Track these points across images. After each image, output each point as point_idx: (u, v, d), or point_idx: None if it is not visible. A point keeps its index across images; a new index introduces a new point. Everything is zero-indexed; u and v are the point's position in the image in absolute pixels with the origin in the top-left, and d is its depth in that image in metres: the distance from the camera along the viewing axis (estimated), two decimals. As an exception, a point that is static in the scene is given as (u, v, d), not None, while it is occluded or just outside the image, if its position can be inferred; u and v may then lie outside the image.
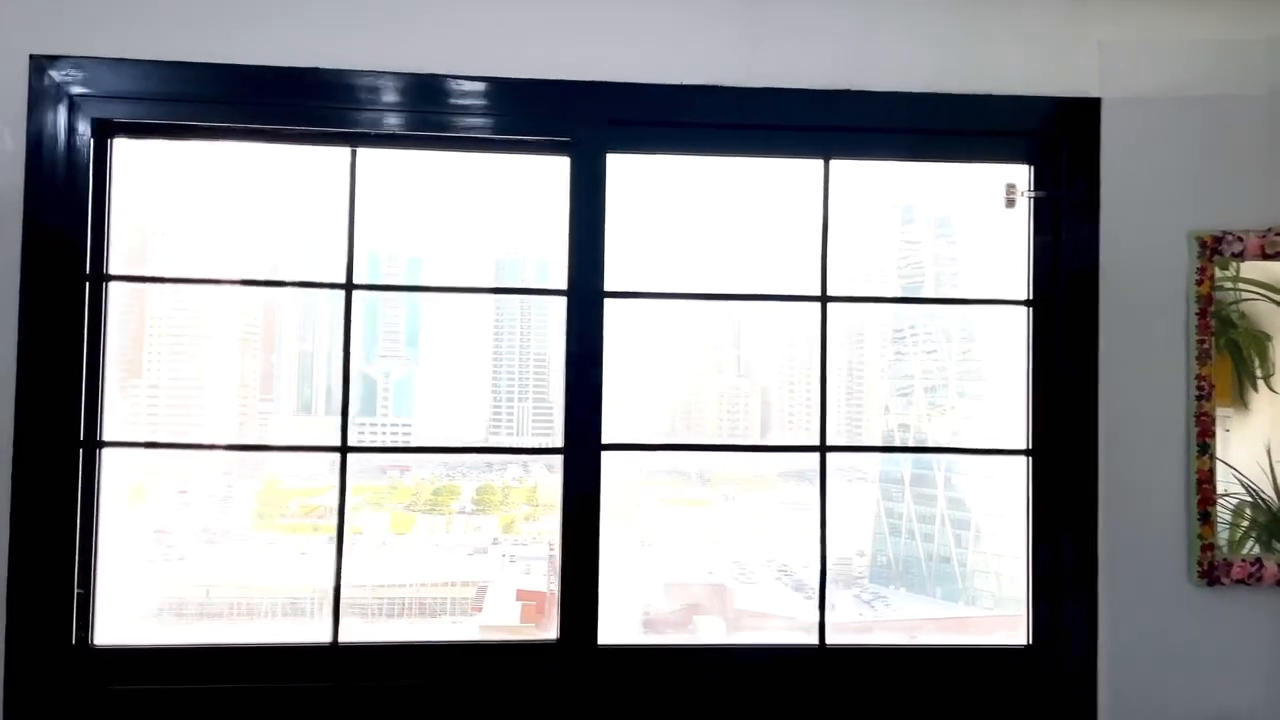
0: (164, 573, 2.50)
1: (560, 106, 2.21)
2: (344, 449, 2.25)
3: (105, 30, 2.13)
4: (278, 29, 2.16)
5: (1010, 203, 2.32)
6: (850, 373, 2.54)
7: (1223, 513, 2.33)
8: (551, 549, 2.52)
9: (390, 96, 2.19)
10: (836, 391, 2.43)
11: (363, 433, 2.54)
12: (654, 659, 2.25)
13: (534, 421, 2.52)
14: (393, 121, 2.21)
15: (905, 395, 2.61)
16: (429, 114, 2.20)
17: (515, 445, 2.51)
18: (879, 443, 2.59)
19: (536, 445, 2.50)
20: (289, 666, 2.19)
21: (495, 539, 2.61)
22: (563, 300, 2.24)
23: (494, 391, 2.53)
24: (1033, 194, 2.32)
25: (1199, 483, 2.29)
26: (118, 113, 2.15)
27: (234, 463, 2.48)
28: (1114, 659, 2.26)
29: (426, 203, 2.44)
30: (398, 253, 2.51)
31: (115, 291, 2.23)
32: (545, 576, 2.54)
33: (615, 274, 2.26)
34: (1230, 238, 2.30)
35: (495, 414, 2.53)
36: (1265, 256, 2.31)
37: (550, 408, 2.49)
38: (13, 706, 2.06)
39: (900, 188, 2.58)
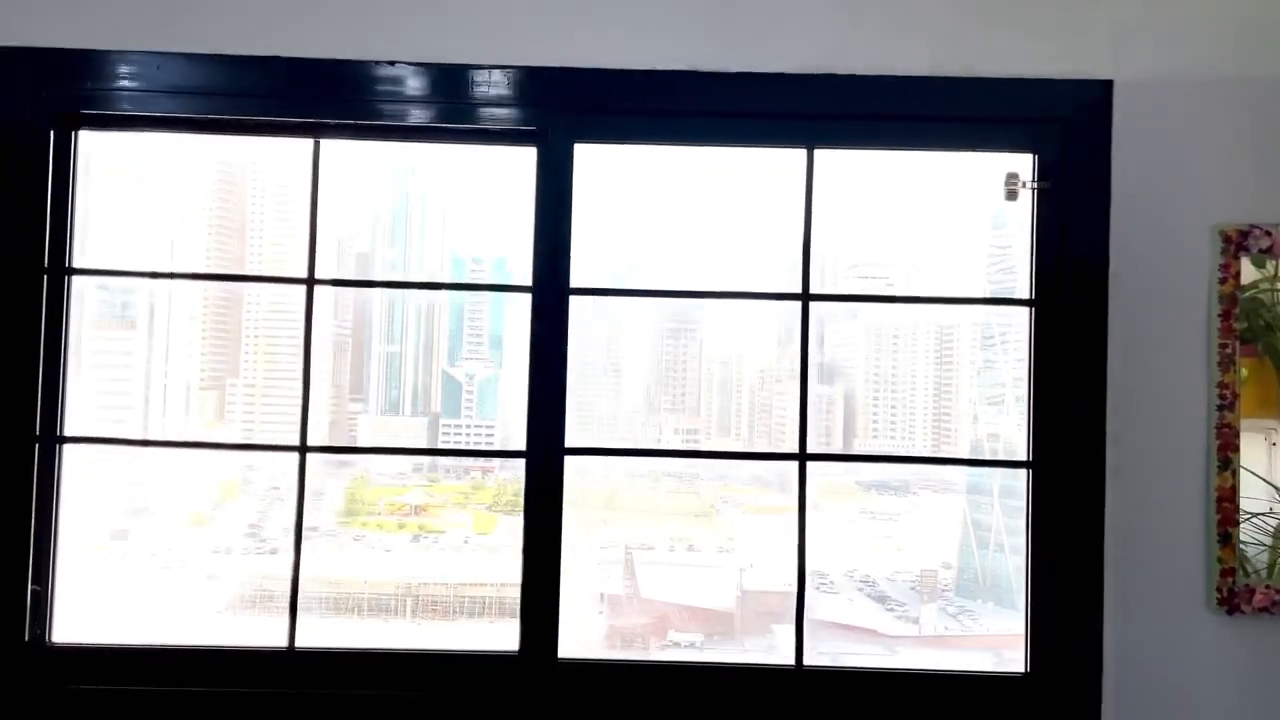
0: (255, 566, 2.59)
1: (526, 94, 2.12)
2: (303, 449, 2.19)
3: (72, 18, 2.11)
4: (235, 16, 2.12)
5: (1012, 194, 2.16)
6: (938, 381, 2.52)
7: (1261, 535, 2.14)
8: (628, 554, 2.61)
9: (353, 86, 2.12)
10: (923, 400, 2.47)
11: (447, 434, 2.65)
12: (615, 674, 2.14)
13: (616, 424, 2.55)
14: (356, 111, 2.14)
15: (996, 404, 2.50)
16: (392, 104, 2.13)
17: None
18: (967, 455, 2.50)
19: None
20: (247, 670, 2.13)
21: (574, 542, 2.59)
22: (643, 303, 2.32)
23: (576, 395, 2.46)
24: (1037, 185, 2.15)
25: (1219, 501, 2.09)
26: (81, 105, 2.13)
27: (322, 461, 2.52)
28: (1121, 691, 2.07)
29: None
30: (483, 255, 2.57)
31: (208, 293, 2.35)
32: (621, 580, 2.58)
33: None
34: (1258, 232, 2.09)
35: (579, 416, 2.48)
36: (1298, 252, 2.10)
37: (633, 411, 2.56)
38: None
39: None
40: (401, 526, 2.66)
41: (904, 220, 2.47)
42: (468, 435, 2.69)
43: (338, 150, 2.24)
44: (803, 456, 2.17)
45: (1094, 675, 2.08)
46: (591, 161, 2.17)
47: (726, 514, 2.66)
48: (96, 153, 2.25)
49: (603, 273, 2.30)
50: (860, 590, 2.62)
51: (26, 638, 2.09)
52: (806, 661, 2.14)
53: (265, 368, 2.55)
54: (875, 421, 2.58)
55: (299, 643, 2.15)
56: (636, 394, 2.59)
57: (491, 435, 2.68)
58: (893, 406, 2.57)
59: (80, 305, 2.25)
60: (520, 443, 2.17)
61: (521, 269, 2.31)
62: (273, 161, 2.53)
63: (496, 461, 2.65)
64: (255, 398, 2.56)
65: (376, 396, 2.64)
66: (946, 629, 2.53)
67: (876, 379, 2.58)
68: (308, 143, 2.20)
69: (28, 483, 2.09)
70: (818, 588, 2.54)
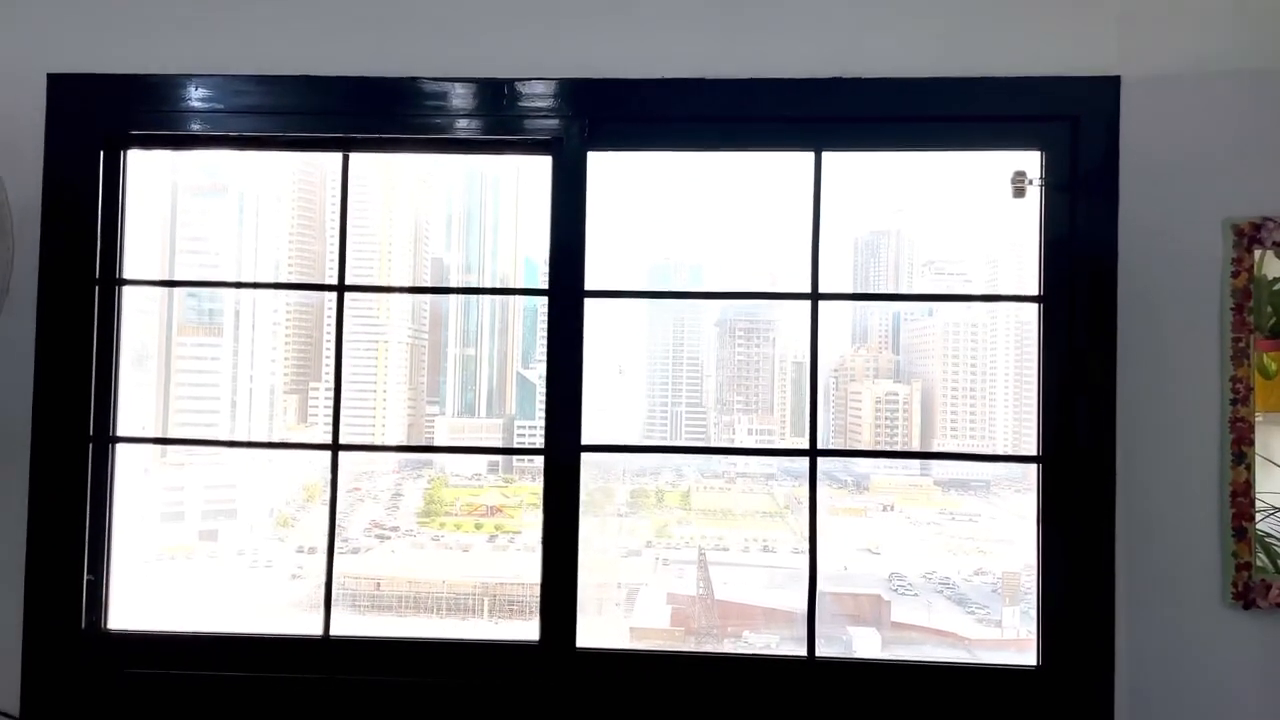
0: (340, 565, 2.61)
1: (539, 105, 2.19)
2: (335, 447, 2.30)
3: (118, 47, 2.25)
4: (267, 40, 2.24)
5: (1019, 192, 2.17)
6: (1019, 376, 2.49)
7: (1282, 532, 2.13)
8: (702, 554, 2.63)
9: (380, 101, 2.22)
10: (1003, 396, 2.48)
11: (522, 435, 2.74)
12: (637, 664, 2.21)
13: (686, 423, 2.61)
14: (381, 125, 2.24)
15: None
16: (414, 117, 2.22)
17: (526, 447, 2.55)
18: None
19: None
20: (287, 657, 2.25)
21: (649, 541, 2.67)
22: (712, 305, 2.41)
23: (649, 395, 2.61)
24: (1044, 182, 2.16)
25: (1234, 495, 2.08)
26: (128, 125, 2.27)
27: (400, 462, 2.67)
28: (1135, 684, 2.08)
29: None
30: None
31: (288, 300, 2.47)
32: (695, 581, 2.60)
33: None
34: (1271, 225, 2.08)
35: (650, 416, 2.61)
36: (1313, 245, 2.08)
37: (704, 411, 2.61)
38: (31, 682, 2.21)
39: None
40: (478, 527, 2.71)
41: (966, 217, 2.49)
42: (539, 437, 2.64)
43: (403, 161, 2.34)
44: (813, 453, 2.21)
45: (1107, 669, 2.08)
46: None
47: (801, 514, 2.62)
48: (183, 167, 2.44)
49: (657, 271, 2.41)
50: (939, 592, 2.60)
51: (83, 625, 2.23)
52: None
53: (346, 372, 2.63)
54: (954, 419, 2.57)
55: (334, 632, 2.26)
56: (709, 394, 2.63)
57: None
58: (972, 403, 2.56)
59: (168, 313, 2.42)
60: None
61: (686, 274, 2.43)
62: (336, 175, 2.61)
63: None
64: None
65: (452, 399, 2.72)
66: (1030, 632, 2.39)
67: (954, 376, 2.57)
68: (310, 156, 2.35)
69: (82, 480, 2.23)
70: (895, 589, 2.56)
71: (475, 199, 2.74)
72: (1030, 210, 2.19)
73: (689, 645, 2.57)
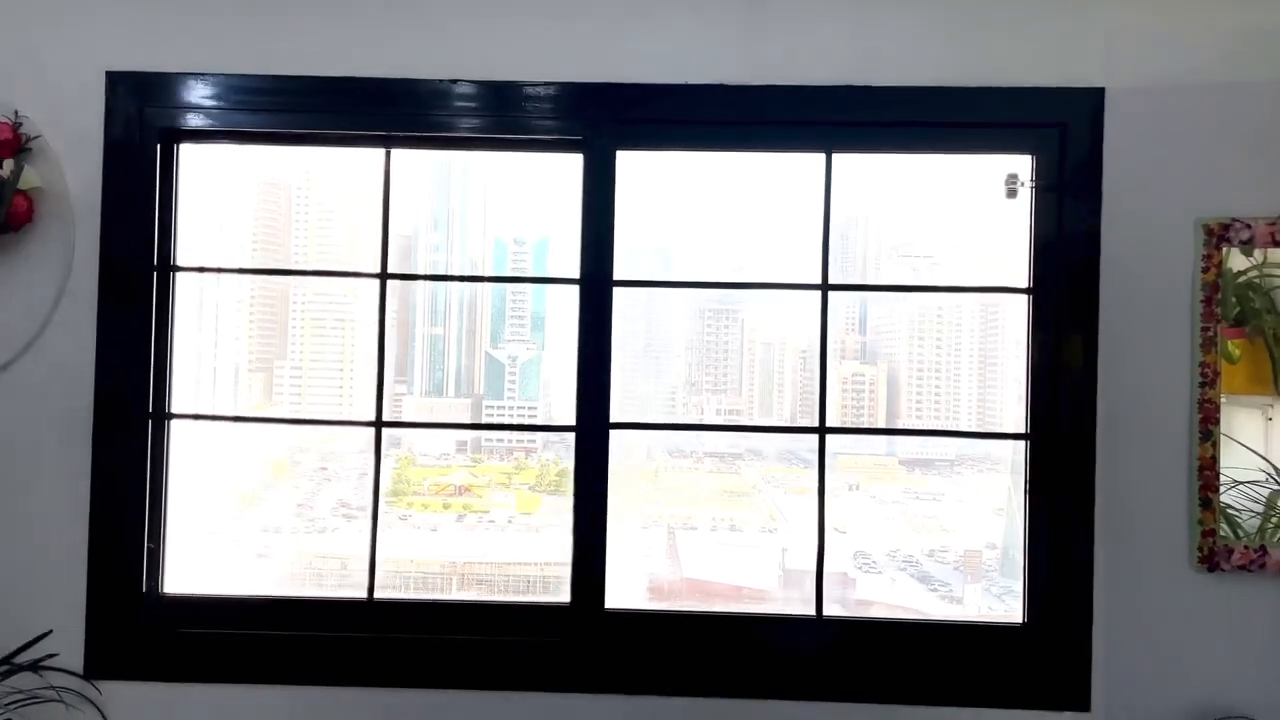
0: (305, 544, 2.70)
1: (573, 107, 2.36)
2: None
3: (171, 48, 2.39)
4: (319, 41, 2.38)
5: (1012, 193, 2.37)
6: (984, 359, 2.62)
7: (1250, 503, 2.35)
8: (672, 534, 2.71)
9: (421, 101, 2.37)
10: (970, 378, 2.59)
11: (490, 415, 2.76)
12: (660, 622, 2.41)
13: (656, 402, 2.66)
14: (423, 124, 2.40)
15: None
16: (454, 117, 2.38)
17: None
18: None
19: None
20: (332, 617, 2.42)
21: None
22: (683, 292, 2.56)
23: (620, 374, 2.57)
24: (1034, 184, 2.36)
25: (1201, 469, 2.30)
26: (182, 121, 2.40)
27: (367, 442, 2.58)
28: (1110, 640, 2.30)
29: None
30: (525, 236, 2.69)
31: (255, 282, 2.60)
32: (665, 560, 2.67)
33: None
34: (1238, 225, 2.29)
35: (625, 396, 2.58)
36: (1275, 244, 2.30)
37: (673, 390, 2.67)
38: (94, 641, 2.36)
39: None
40: (446, 506, 2.73)
41: (942, 211, 2.63)
42: (511, 416, 2.77)
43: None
44: (822, 430, 2.41)
45: (1085, 624, 2.30)
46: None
47: (767, 494, 2.73)
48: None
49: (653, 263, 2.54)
50: (903, 570, 2.69)
51: (144, 589, 2.40)
52: (826, 613, 2.40)
53: (311, 352, 2.67)
54: (919, 401, 2.67)
55: (377, 595, 2.44)
56: (679, 375, 2.68)
57: (534, 416, 2.76)
58: (937, 386, 2.67)
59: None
60: (566, 421, 2.42)
61: (563, 248, 2.51)
62: (316, 166, 2.75)
63: (540, 442, 2.74)
64: (302, 380, 2.69)
65: (420, 379, 2.72)
66: (990, 609, 2.58)
67: (920, 359, 2.67)
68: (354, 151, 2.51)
69: (142, 455, 2.38)
70: (860, 568, 2.66)
71: (443, 181, 2.75)
72: (1021, 209, 2.39)
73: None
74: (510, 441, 2.79)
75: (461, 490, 2.76)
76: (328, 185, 2.71)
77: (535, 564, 2.69)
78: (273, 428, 2.68)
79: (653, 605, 2.57)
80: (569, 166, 2.43)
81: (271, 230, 2.71)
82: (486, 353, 2.77)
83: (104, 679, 2.34)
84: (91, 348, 2.36)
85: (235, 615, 2.42)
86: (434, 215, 2.73)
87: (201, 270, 2.53)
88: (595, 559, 2.36)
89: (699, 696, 2.33)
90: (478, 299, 2.80)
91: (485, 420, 2.77)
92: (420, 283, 2.72)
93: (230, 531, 2.69)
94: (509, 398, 2.76)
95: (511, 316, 2.77)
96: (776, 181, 2.54)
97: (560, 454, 2.71)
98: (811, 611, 2.39)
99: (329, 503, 2.73)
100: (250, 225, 2.69)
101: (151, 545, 2.40)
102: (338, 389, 2.69)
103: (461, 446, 2.80)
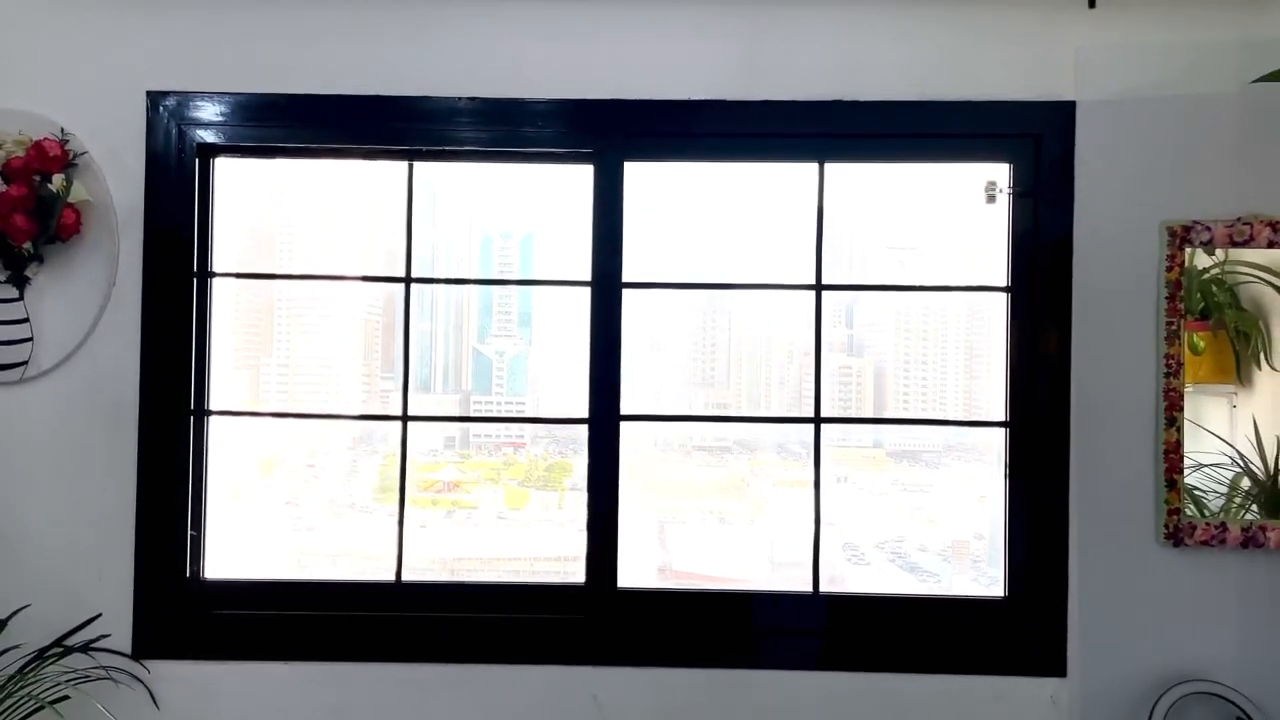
0: (294, 542, 2.76)
1: (584, 122, 2.54)
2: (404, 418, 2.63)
3: (208, 67, 2.56)
4: (345, 63, 2.54)
5: (991, 199, 2.56)
6: (968, 352, 2.75)
7: (1215, 485, 2.54)
8: (662, 529, 2.78)
9: (442, 118, 2.54)
10: (955, 371, 2.74)
11: (479, 410, 2.81)
12: (669, 599, 2.59)
13: (649, 396, 2.73)
14: (445, 138, 2.57)
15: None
16: (472, 131, 2.55)
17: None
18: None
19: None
20: (361, 599, 2.59)
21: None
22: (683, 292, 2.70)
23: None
24: (1011, 191, 2.55)
25: (1167, 453, 2.48)
26: (218, 136, 2.57)
27: (359, 438, 2.69)
28: (1084, 611, 2.49)
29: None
30: (511, 230, 2.79)
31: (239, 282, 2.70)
32: (652, 552, 2.74)
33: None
34: (1199, 227, 2.47)
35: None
36: (1234, 244, 2.49)
37: (656, 385, 2.74)
38: (141, 623, 2.53)
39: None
40: (435, 503, 2.77)
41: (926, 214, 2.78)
42: (499, 410, 2.82)
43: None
44: (818, 420, 2.59)
45: (1060, 597, 2.49)
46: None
47: (756, 486, 2.82)
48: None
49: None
50: (892, 561, 2.79)
51: (187, 574, 2.57)
52: (822, 590, 2.58)
53: (299, 349, 2.72)
54: (906, 393, 2.79)
55: (405, 577, 2.61)
56: (673, 370, 2.77)
57: (522, 410, 2.82)
58: (923, 379, 2.79)
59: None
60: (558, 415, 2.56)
61: (547, 244, 2.65)
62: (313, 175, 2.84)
63: (528, 437, 2.81)
64: (289, 377, 2.78)
65: (410, 374, 2.67)
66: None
67: (906, 352, 2.78)
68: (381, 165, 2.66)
69: (185, 449, 2.55)
70: (849, 560, 2.75)
71: (429, 181, 2.74)
72: (999, 213, 2.58)
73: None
74: (499, 437, 2.85)
75: (450, 486, 2.82)
76: (326, 190, 2.82)
77: (525, 559, 2.78)
78: (273, 428, 2.80)
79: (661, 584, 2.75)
80: (554, 167, 2.62)
81: (269, 233, 2.82)
82: (474, 348, 2.82)
83: (151, 658, 2.51)
84: (136, 349, 2.53)
85: (271, 598, 2.59)
86: (421, 213, 2.71)
87: (239, 276, 2.69)
88: (608, 542, 2.54)
89: (705, 668, 2.52)
90: (465, 295, 2.88)
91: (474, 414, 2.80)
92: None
93: (226, 524, 2.76)
94: (497, 392, 2.83)
95: (498, 312, 2.84)
96: (771, 189, 2.72)
97: (549, 449, 2.82)
98: (809, 588, 2.57)
99: (319, 499, 2.79)
100: (247, 229, 2.79)
101: (194, 533, 2.57)
102: (323, 386, 2.78)
103: (450, 442, 2.83)
